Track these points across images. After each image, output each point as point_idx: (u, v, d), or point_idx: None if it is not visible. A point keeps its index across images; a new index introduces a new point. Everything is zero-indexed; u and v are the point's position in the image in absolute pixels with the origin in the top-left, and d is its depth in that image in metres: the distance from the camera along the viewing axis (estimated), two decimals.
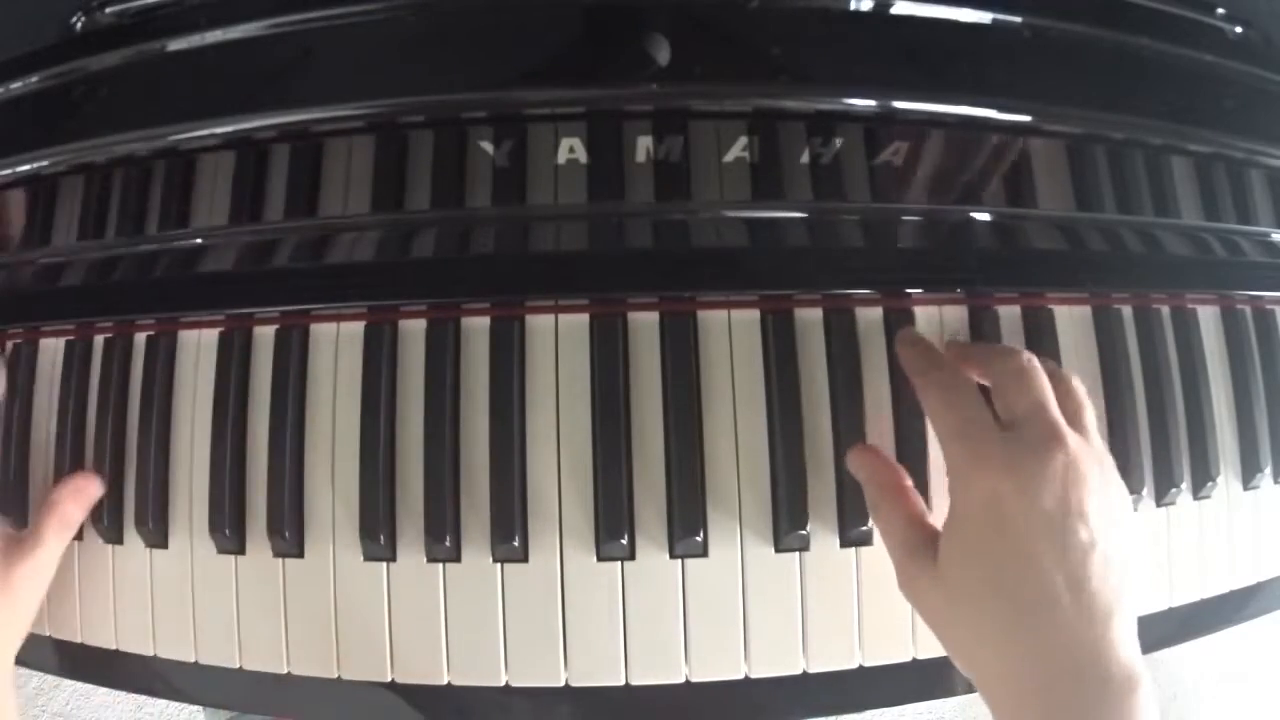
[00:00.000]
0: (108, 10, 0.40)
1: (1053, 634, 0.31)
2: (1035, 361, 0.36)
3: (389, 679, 0.39)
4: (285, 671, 0.40)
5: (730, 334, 0.40)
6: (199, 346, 0.42)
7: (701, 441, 0.39)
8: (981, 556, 0.33)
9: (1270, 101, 0.43)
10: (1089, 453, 0.34)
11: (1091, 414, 0.36)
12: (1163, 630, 0.44)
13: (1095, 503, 0.33)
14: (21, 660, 0.44)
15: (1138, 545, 0.34)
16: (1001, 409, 0.36)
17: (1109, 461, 0.35)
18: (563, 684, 0.39)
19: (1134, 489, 0.42)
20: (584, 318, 0.40)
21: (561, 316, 0.40)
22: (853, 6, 0.38)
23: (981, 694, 0.34)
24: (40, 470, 0.44)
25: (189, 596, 0.41)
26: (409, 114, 0.38)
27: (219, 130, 0.38)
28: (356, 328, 0.41)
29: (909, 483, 0.38)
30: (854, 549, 0.40)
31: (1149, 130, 0.41)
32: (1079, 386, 0.37)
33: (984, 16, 0.39)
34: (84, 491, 0.43)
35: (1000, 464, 0.33)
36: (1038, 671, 0.31)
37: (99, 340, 0.43)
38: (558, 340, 0.40)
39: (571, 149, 0.38)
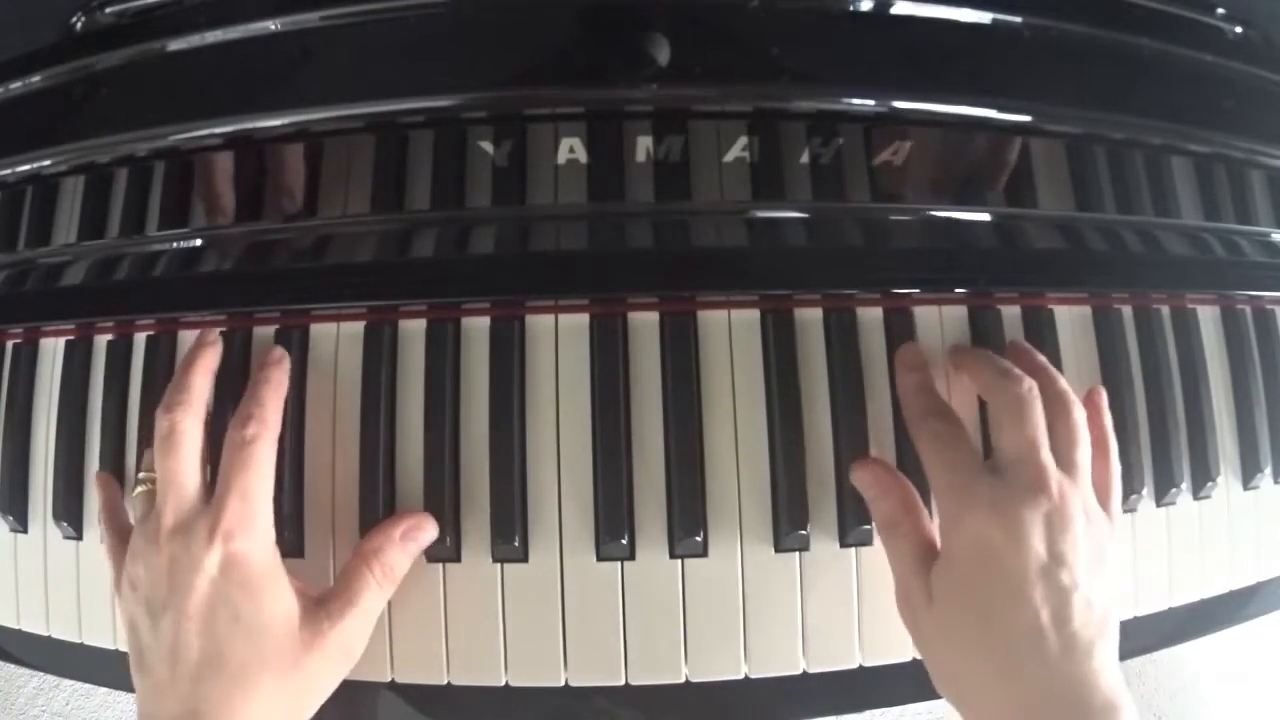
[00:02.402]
0: (108, 10, 0.40)
1: (1038, 668, 0.33)
2: (1035, 392, 0.37)
3: (389, 679, 0.39)
4: None
5: (730, 334, 0.40)
6: None
7: (701, 441, 0.39)
8: (972, 593, 0.35)
9: (1270, 101, 0.43)
10: (1074, 496, 0.35)
11: (1086, 450, 0.37)
12: (1163, 630, 0.44)
13: (1078, 547, 0.34)
14: (22, 660, 0.44)
15: (1120, 579, 0.36)
16: (995, 438, 0.37)
17: (1094, 504, 0.36)
18: (563, 684, 0.39)
19: (1134, 489, 0.42)
20: (584, 318, 0.40)
21: (561, 316, 0.40)
22: (853, 6, 0.38)
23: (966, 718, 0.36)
24: (40, 472, 0.44)
25: None
26: (409, 114, 0.38)
27: (219, 130, 0.38)
28: (356, 328, 0.41)
29: (919, 499, 0.39)
30: (854, 549, 0.40)
31: (1149, 130, 0.41)
32: (1079, 420, 0.37)
33: (984, 16, 0.39)
34: (416, 535, 0.38)
35: (989, 509, 0.35)
36: (1024, 703, 0.33)
37: (99, 340, 0.43)
38: (558, 340, 0.40)
39: (571, 149, 0.38)
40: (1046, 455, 0.36)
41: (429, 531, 0.38)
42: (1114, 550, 0.36)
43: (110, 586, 0.42)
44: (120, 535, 0.38)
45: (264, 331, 0.41)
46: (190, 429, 0.36)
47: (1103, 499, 0.38)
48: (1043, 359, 0.40)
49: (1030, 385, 0.37)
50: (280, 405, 0.38)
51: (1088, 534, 0.35)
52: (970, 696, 0.35)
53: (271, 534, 0.36)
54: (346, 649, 0.36)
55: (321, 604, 0.36)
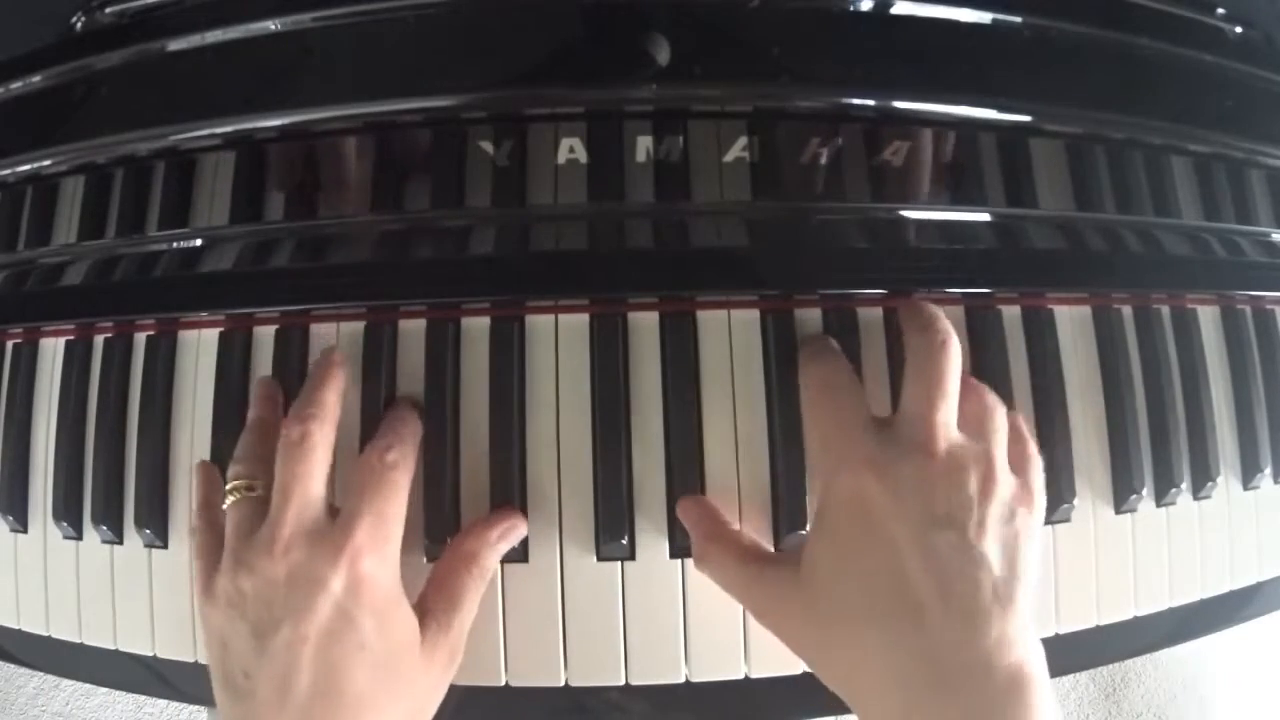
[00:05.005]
0: (108, 10, 0.40)
1: (925, 639, 0.30)
2: (949, 345, 0.34)
3: None
4: None
5: (730, 334, 0.40)
6: (199, 346, 0.42)
7: (701, 441, 0.39)
8: (848, 560, 0.32)
9: (1270, 101, 0.43)
10: (970, 455, 0.32)
11: (1000, 422, 0.34)
12: (1163, 630, 0.44)
13: (972, 508, 0.31)
14: (21, 660, 0.44)
15: (1037, 546, 0.33)
16: (905, 390, 0.35)
17: (1002, 465, 0.33)
18: (562, 684, 0.39)
19: (1134, 489, 0.42)
20: (584, 318, 0.40)
21: (561, 316, 0.40)
22: (853, 6, 0.38)
23: (857, 712, 0.33)
24: (40, 471, 0.44)
25: (189, 596, 0.41)
26: (409, 114, 0.38)
27: (219, 130, 0.38)
28: (356, 328, 0.41)
29: (730, 525, 0.38)
30: None
31: (1149, 130, 0.41)
32: (992, 402, 0.35)
33: (984, 16, 0.39)
34: (510, 537, 0.37)
35: (867, 464, 0.32)
36: (909, 686, 0.30)
37: (99, 340, 0.43)
38: (558, 340, 0.40)
39: (571, 149, 0.38)
40: (943, 414, 0.33)
41: (521, 530, 0.38)
42: (1030, 521, 0.33)
43: (111, 587, 0.42)
44: (213, 534, 0.36)
45: (264, 331, 0.41)
46: (324, 440, 0.35)
47: (1018, 467, 0.35)
48: (983, 389, 0.37)
49: (945, 338, 0.34)
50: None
51: (988, 495, 0.32)
52: (859, 680, 0.32)
53: (398, 559, 0.35)
54: (456, 652, 0.36)
55: (428, 614, 0.35)
